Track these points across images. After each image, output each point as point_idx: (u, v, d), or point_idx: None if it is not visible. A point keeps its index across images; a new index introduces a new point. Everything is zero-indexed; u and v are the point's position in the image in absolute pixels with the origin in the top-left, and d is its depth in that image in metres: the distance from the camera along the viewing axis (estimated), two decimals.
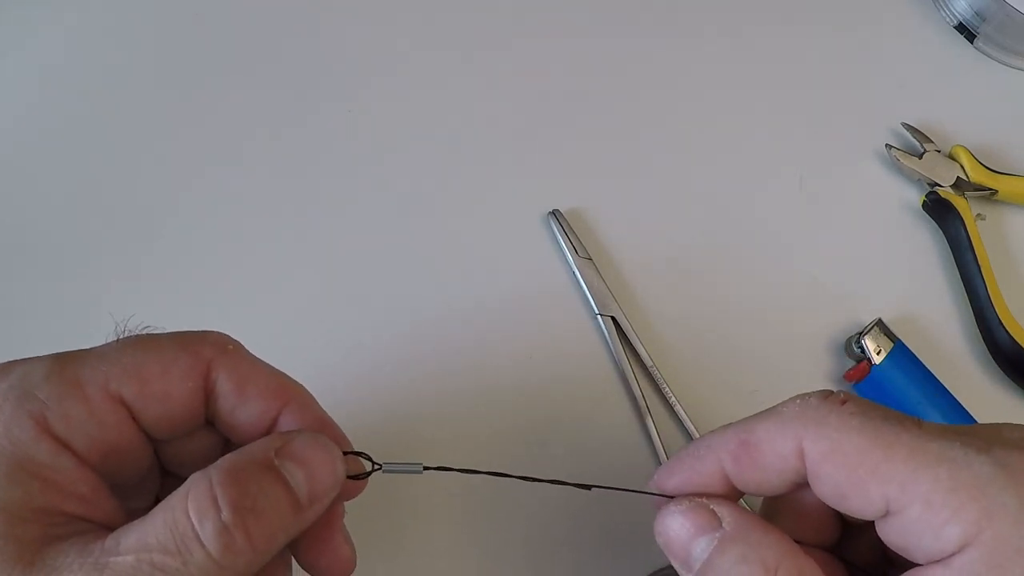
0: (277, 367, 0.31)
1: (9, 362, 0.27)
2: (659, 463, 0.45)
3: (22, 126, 0.49)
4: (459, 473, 0.31)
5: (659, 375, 0.46)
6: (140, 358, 0.28)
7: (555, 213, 0.48)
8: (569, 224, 0.48)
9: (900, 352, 0.46)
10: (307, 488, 0.27)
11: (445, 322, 0.46)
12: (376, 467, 0.30)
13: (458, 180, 0.49)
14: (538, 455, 0.44)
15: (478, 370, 0.46)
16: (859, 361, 0.47)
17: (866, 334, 0.46)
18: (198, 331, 0.29)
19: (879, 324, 0.47)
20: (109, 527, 0.26)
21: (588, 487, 0.31)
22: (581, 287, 0.47)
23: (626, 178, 0.50)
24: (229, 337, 0.30)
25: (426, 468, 0.30)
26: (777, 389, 0.46)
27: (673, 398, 0.46)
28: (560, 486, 0.32)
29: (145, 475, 0.30)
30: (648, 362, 0.46)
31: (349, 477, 0.29)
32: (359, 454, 0.30)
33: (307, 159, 0.49)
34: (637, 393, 0.45)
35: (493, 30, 0.53)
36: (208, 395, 0.29)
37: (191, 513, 0.25)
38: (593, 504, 0.43)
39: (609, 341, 0.46)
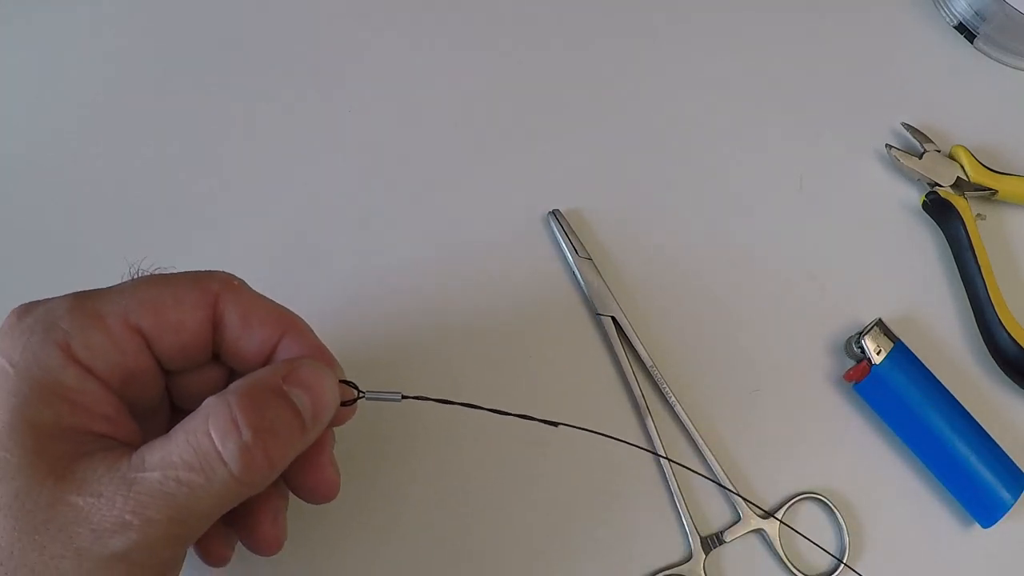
0: None
1: (32, 302, 0.30)
2: (659, 463, 0.45)
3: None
4: (438, 404, 0.35)
5: (659, 375, 0.46)
6: (155, 292, 0.30)
7: (555, 213, 0.48)
8: (569, 224, 0.48)
9: (900, 352, 0.46)
10: (311, 411, 0.30)
11: (444, 324, 0.46)
12: (361, 394, 0.33)
13: (458, 180, 0.49)
14: (538, 455, 0.45)
15: (477, 371, 0.46)
16: (859, 361, 0.47)
17: (866, 334, 0.46)
18: (206, 270, 0.32)
19: (879, 324, 0.47)
20: (132, 446, 0.28)
21: (555, 423, 0.36)
22: (581, 287, 0.47)
23: (626, 178, 0.50)
24: (233, 275, 0.33)
25: (404, 397, 0.34)
26: (778, 388, 0.48)
27: (673, 398, 0.46)
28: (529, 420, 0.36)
29: (157, 406, 0.33)
30: (648, 362, 0.46)
31: (341, 404, 0.32)
32: (348, 383, 0.33)
33: (305, 166, 0.49)
34: (637, 393, 0.45)
35: (494, 28, 0.53)
36: (216, 326, 0.32)
37: (213, 433, 0.27)
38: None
39: (609, 341, 0.46)
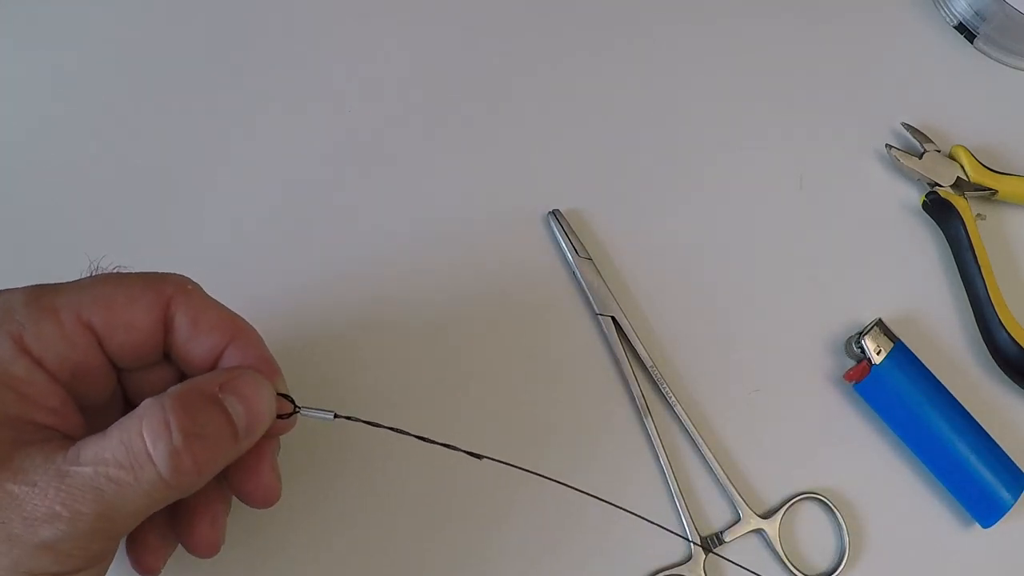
0: None
1: None
2: (659, 464, 0.45)
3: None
4: (374, 427, 0.35)
5: (659, 375, 0.46)
6: (109, 290, 0.31)
7: (555, 213, 0.48)
8: (569, 224, 0.48)
9: (900, 352, 0.46)
10: (245, 420, 0.31)
11: (443, 322, 0.46)
12: (296, 410, 0.34)
13: (457, 179, 0.49)
14: (536, 456, 0.44)
15: (476, 370, 0.46)
16: (859, 361, 0.46)
17: (866, 334, 0.46)
18: (162, 272, 0.33)
19: (879, 324, 0.47)
20: (74, 439, 0.29)
21: (479, 456, 0.36)
22: (581, 287, 0.47)
23: (626, 178, 0.50)
24: (189, 279, 0.33)
25: (337, 416, 0.34)
26: (778, 388, 0.48)
27: (673, 398, 0.46)
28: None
29: (109, 401, 0.34)
30: (648, 362, 0.46)
31: (278, 416, 0.33)
32: (285, 396, 0.34)
33: (302, 162, 0.49)
34: (637, 393, 0.45)
35: (492, 25, 0.53)
36: (167, 328, 0.32)
37: (145, 434, 0.28)
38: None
39: (609, 341, 0.46)
